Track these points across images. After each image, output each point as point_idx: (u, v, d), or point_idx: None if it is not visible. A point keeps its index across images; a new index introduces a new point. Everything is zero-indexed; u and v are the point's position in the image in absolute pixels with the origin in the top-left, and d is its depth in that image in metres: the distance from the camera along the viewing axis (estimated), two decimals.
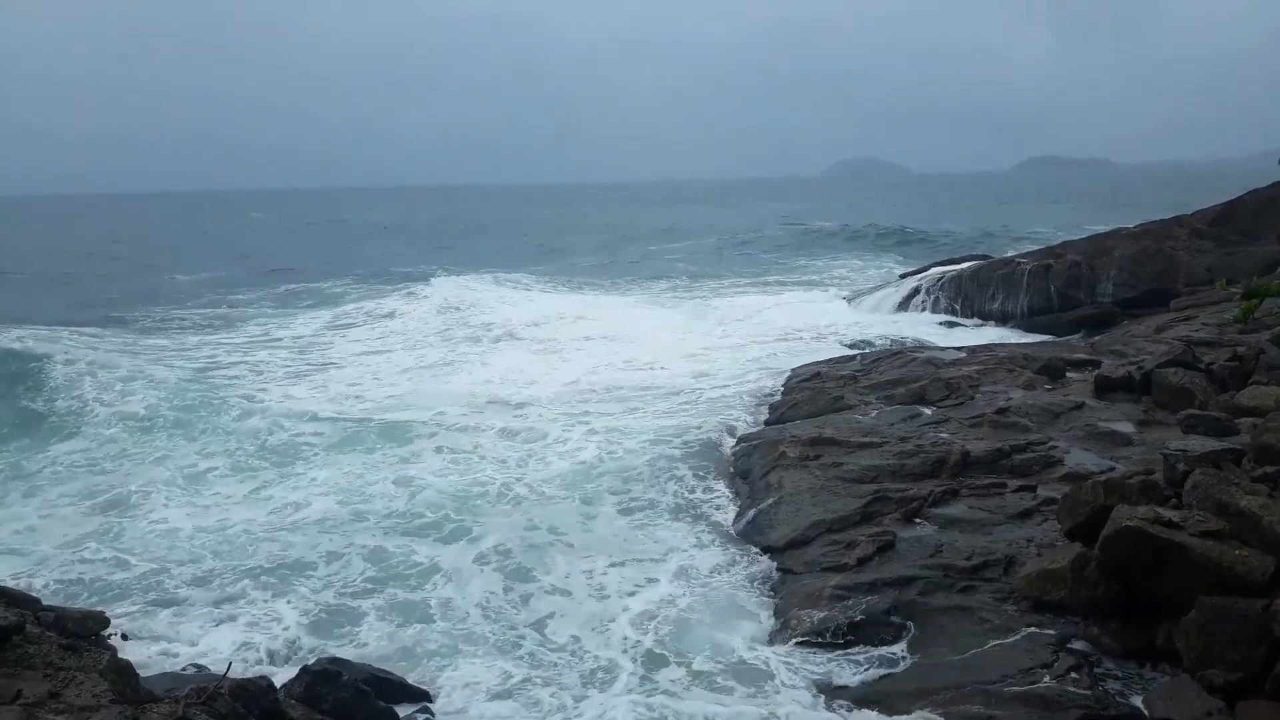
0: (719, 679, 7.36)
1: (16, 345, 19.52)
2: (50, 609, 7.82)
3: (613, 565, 9.56)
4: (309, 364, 20.89)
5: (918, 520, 9.43)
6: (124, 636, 8.19)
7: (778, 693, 7.12)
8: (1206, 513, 6.71)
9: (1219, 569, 6.32)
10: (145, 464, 13.27)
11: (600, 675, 7.57)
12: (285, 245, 63.60)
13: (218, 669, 6.95)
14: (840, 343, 20.88)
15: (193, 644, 8.14)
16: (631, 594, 8.94)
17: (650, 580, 9.20)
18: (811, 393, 14.75)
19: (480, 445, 13.60)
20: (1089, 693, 6.44)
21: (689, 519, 10.79)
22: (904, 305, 25.10)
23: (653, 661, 7.70)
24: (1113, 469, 9.47)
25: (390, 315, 27.60)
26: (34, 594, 8.21)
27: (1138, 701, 6.36)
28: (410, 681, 7.32)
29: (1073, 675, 6.63)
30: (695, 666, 7.52)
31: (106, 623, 8.10)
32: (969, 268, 25.43)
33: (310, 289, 36.22)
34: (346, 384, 18.58)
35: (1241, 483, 6.90)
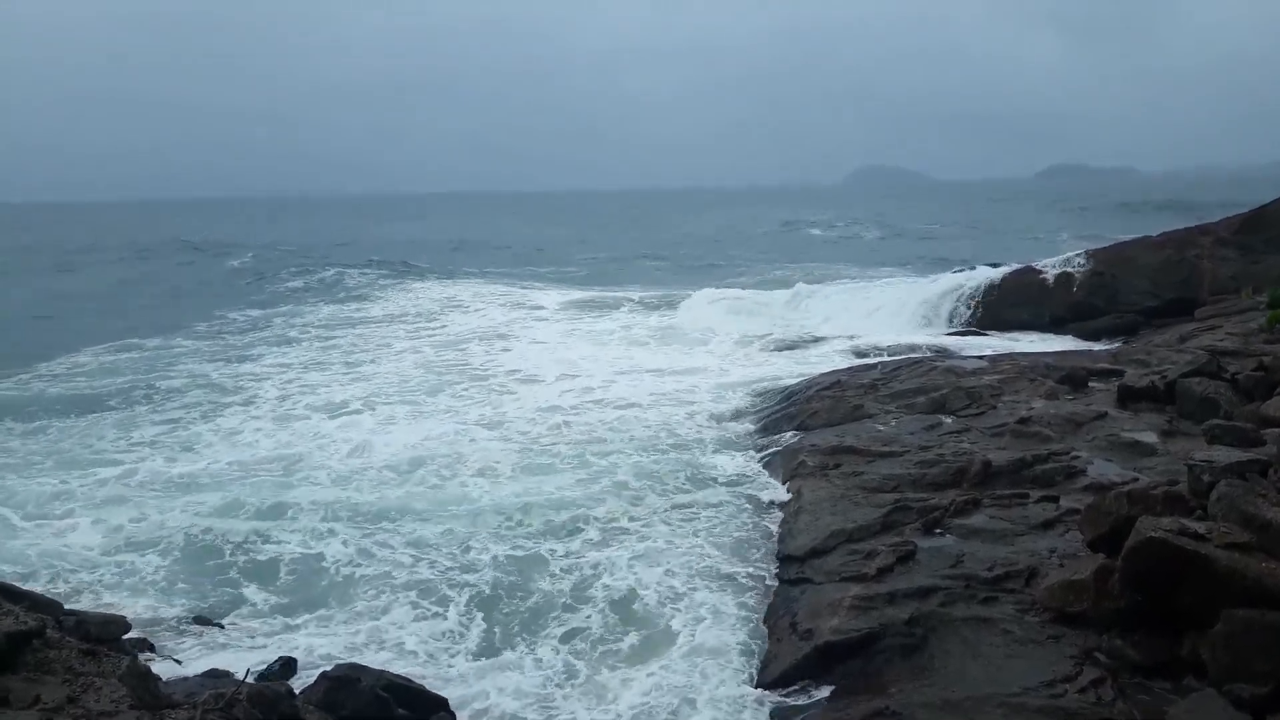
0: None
1: None
2: (72, 613, 7.87)
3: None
4: None
5: (938, 530, 9.35)
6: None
7: None
8: (1232, 524, 6.61)
9: (1245, 581, 6.22)
10: None
11: None
12: None
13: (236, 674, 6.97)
14: (858, 351, 20.80)
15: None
16: None
17: None
18: (831, 401, 14.68)
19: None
20: (1113, 706, 6.36)
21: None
22: (924, 314, 24.93)
23: None
24: (1136, 479, 9.36)
25: None
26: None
27: (1163, 716, 6.26)
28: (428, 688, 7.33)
29: (1096, 688, 6.54)
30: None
31: (128, 627, 8.13)
32: (990, 275, 25.25)
33: None
34: None
35: (1268, 494, 6.80)
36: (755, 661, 7.87)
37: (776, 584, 9.13)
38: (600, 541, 10.40)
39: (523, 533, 10.70)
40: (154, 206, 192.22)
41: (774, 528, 10.45)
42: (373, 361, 21.81)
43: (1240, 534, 6.49)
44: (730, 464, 13.01)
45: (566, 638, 8.48)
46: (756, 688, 7.47)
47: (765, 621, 8.46)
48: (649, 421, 15.24)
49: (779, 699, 7.30)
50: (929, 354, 18.88)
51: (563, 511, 11.23)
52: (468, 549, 10.28)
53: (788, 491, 11.38)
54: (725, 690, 7.48)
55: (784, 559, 9.54)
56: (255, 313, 32.21)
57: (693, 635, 8.29)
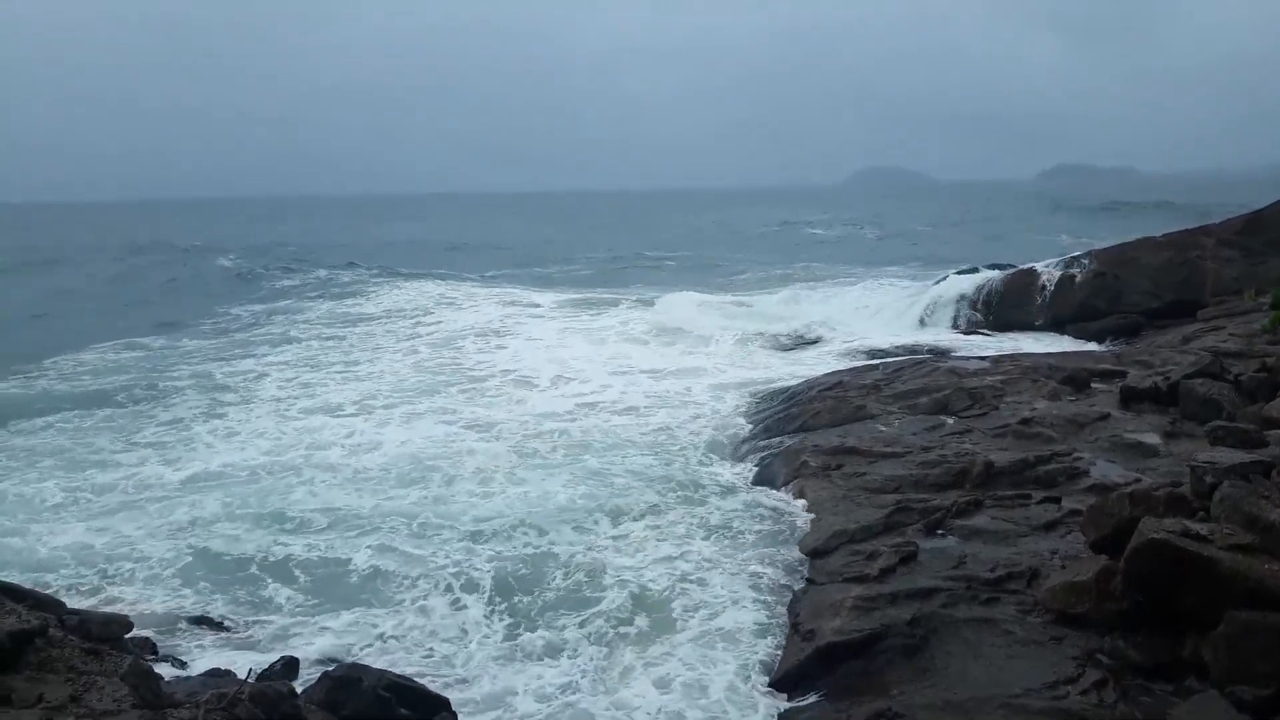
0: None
1: None
2: (75, 612, 7.87)
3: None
4: None
5: (940, 531, 9.35)
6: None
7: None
8: (1235, 526, 6.60)
9: (1248, 583, 6.22)
10: None
11: None
12: None
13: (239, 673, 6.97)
14: (858, 352, 20.80)
15: None
16: None
17: None
18: (833, 402, 14.67)
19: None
20: (1114, 708, 6.35)
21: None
22: (926, 315, 24.95)
23: None
24: (1139, 481, 9.35)
25: None
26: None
27: (1165, 718, 6.25)
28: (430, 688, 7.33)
29: (1098, 689, 6.54)
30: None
31: (130, 626, 8.13)
32: (992, 277, 25.25)
33: None
34: None
35: (1271, 495, 6.79)
36: (760, 661, 7.87)
37: (780, 583, 9.13)
38: (605, 544, 10.37)
39: (527, 534, 10.67)
40: (154, 207, 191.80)
41: (776, 528, 10.45)
42: (370, 361, 21.82)
43: (1243, 535, 6.49)
44: (731, 465, 13.02)
45: (577, 636, 8.47)
46: (768, 687, 7.48)
47: (788, 614, 8.46)
48: (648, 423, 15.24)
49: (781, 699, 7.30)
50: (931, 355, 18.87)
51: (565, 513, 11.21)
52: (471, 549, 10.26)
53: (789, 493, 11.38)
54: (734, 691, 7.49)
55: (787, 558, 9.54)
56: (258, 307, 32.38)
57: (699, 635, 8.29)
